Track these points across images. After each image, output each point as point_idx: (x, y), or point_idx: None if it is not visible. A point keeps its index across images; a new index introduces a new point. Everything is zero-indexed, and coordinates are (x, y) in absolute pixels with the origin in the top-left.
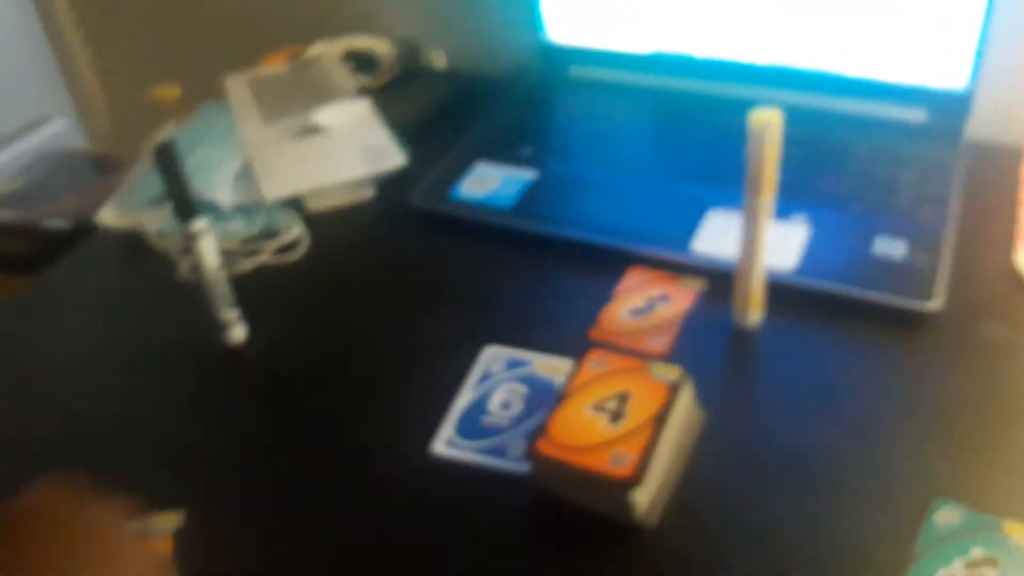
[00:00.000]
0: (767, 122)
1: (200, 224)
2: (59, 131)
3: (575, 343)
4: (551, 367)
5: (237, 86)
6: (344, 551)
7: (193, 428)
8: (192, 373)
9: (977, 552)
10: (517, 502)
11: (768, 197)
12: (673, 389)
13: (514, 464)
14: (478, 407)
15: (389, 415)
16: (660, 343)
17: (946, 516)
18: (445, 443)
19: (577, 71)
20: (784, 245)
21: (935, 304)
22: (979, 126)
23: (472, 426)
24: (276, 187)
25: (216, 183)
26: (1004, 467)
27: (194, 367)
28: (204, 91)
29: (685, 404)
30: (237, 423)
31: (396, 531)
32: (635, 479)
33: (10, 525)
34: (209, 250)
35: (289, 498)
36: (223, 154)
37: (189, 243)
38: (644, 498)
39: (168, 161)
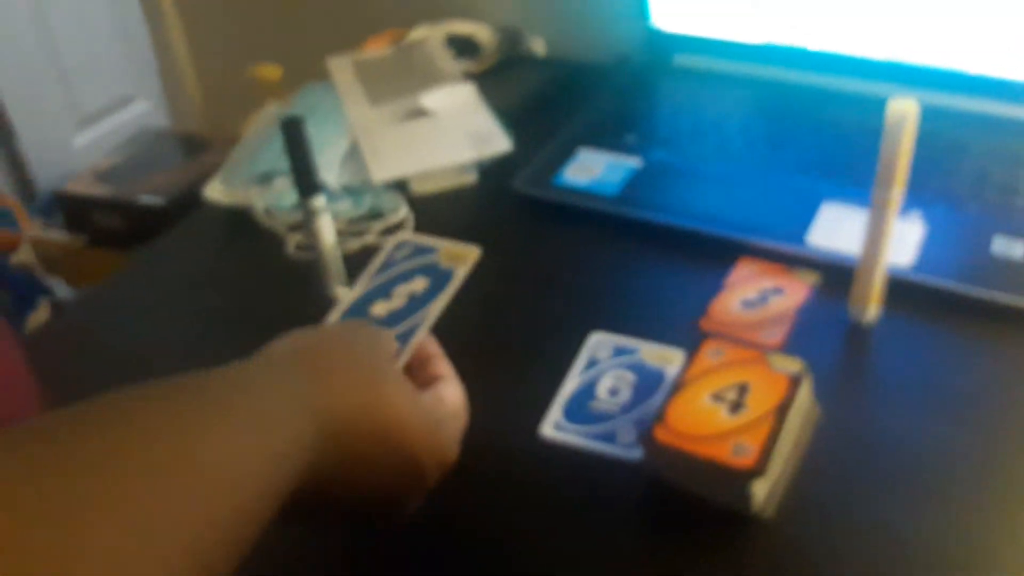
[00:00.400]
0: (905, 113)
1: (320, 201)
2: (143, 111)
3: (683, 333)
4: (660, 355)
5: (341, 68)
6: (451, 532)
7: None
8: None
9: None
10: (625, 488)
11: (899, 191)
12: (794, 381)
13: (623, 450)
14: (586, 393)
15: (497, 398)
16: (775, 335)
17: None
18: (554, 427)
19: (681, 59)
20: (900, 241)
21: None
22: None
23: (580, 411)
24: (384, 169)
25: (324, 164)
26: None
27: None
28: (300, 73)
29: (805, 396)
30: None
31: (504, 512)
32: (758, 470)
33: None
34: (327, 227)
35: None
36: (330, 135)
37: (307, 219)
38: (763, 489)
39: (296, 135)
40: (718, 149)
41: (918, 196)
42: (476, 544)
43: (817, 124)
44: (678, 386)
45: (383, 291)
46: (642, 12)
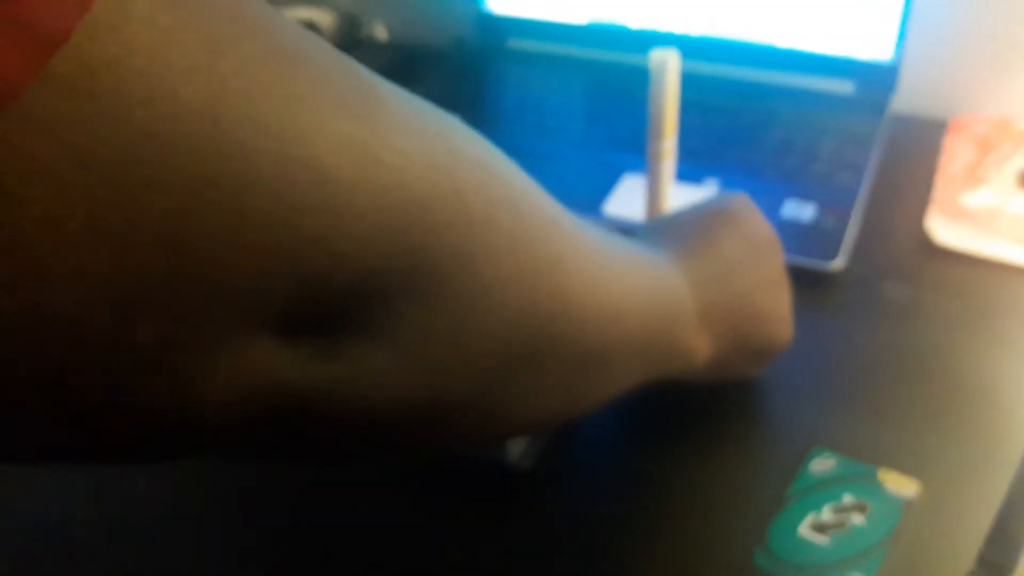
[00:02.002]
0: (665, 60)
1: None
2: None
3: None
4: None
5: None
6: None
7: None
8: None
9: (848, 498)
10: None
11: (670, 140)
12: None
13: None
14: None
15: None
16: None
17: (822, 464)
18: None
19: (515, 43)
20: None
21: (838, 264)
22: (907, 100)
23: None
24: None
25: None
26: (890, 419)
27: None
28: None
29: None
30: None
31: (236, 514)
32: None
33: None
34: None
35: None
36: None
37: None
38: (519, 442)
39: None
40: (536, 128)
41: (717, 165)
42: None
43: (633, 101)
44: None
45: None
46: None
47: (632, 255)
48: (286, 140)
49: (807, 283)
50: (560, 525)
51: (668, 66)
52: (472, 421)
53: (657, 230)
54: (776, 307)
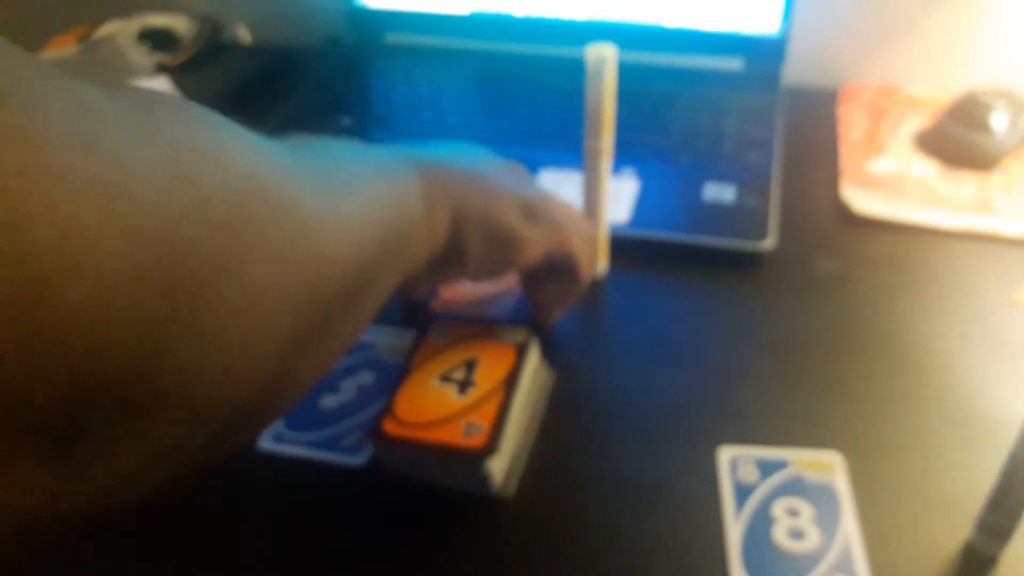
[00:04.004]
0: (603, 56)
1: None
2: None
3: (420, 318)
4: (397, 348)
5: None
6: (178, 563)
7: None
8: None
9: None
10: (358, 493)
11: (609, 138)
12: (520, 350)
13: (344, 455)
14: (312, 396)
15: None
16: (506, 307)
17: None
18: (272, 437)
19: (393, 37)
20: (615, 200)
21: (769, 243)
22: (795, 71)
23: (304, 417)
24: None
25: None
26: (838, 399)
27: None
28: None
29: (534, 364)
30: None
31: (228, 535)
32: (489, 448)
33: None
34: None
35: None
36: None
37: None
38: (500, 468)
39: None
40: (435, 125)
41: (630, 153)
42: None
43: (529, 92)
44: (404, 373)
45: None
46: None
47: (350, 162)
48: (12, 198)
49: (739, 264)
50: (548, 546)
51: (606, 60)
52: (276, 408)
53: None
54: (504, 190)
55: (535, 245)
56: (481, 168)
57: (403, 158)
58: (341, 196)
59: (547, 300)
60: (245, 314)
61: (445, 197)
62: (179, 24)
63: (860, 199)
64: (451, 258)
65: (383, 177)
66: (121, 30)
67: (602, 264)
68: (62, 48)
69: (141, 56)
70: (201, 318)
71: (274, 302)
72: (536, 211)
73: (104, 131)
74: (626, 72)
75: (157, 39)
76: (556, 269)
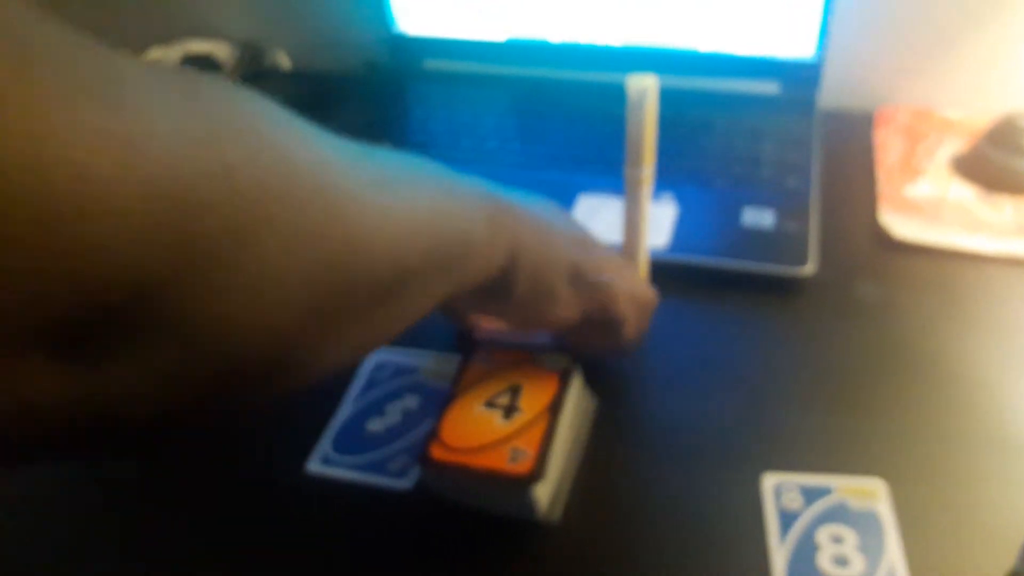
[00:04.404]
0: (644, 87)
1: None
2: None
3: (464, 343)
4: (441, 373)
5: None
6: None
7: None
8: None
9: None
10: (405, 517)
11: (650, 167)
12: (564, 377)
13: (392, 479)
14: (360, 420)
15: (265, 432)
16: (547, 335)
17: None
18: (321, 460)
19: (432, 64)
20: (654, 225)
21: (809, 268)
22: (831, 94)
23: (352, 441)
24: None
25: None
26: (880, 425)
27: None
28: None
29: (577, 391)
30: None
31: (274, 555)
32: (536, 474)
33: None
34: None
35: (159, 529)
36: None
37: None
38: (545, 494)
39: None
40: (473, 150)
41: (668, 178)
42: None
43: (568, 117)
44: (450, 398)
45: None
46: (386, 18)
47: (413, 172)
48: (34, 144)
49: (779, 290)
50: (593, 572)
51: (647, 91)
52: (287, 377)
53: None
54: (560, 247)
55: (569, 307)
56: (549, 220)
57: (479, 186)
58: (393, 197)
59: (582, 346)
60: (256, 277)
61: (509, 233)
62: (220, 50)
63: (898, 224)
64: (497, 293)
65: (449, 194)
66: (164, 57)
67: None
68: None
69: None
70: (209, 272)
71: (290, 274)
72: (583, 275)
73: (133, 94)
74: (663, 97)
75: (199, 65)
76: (600, 326)
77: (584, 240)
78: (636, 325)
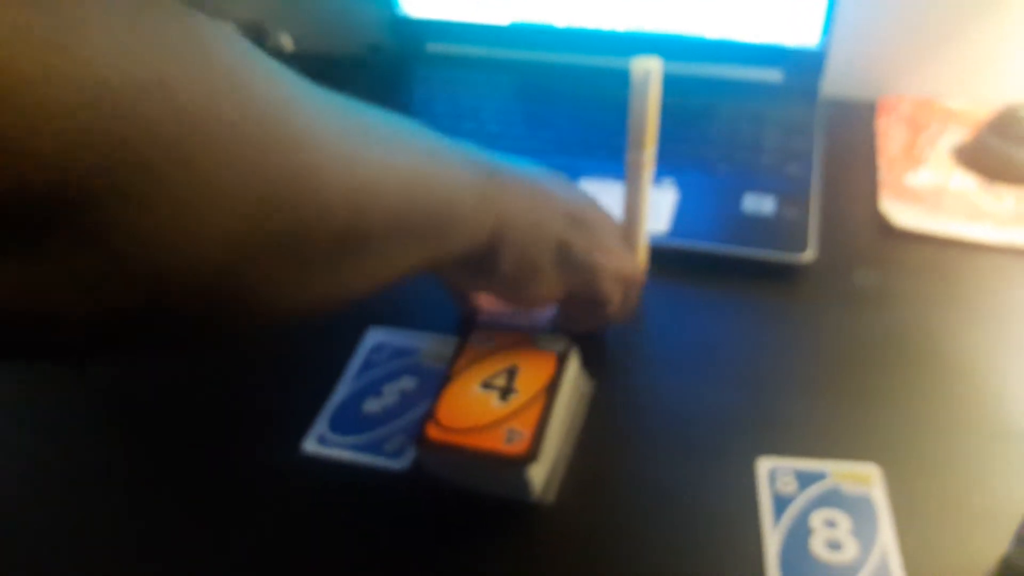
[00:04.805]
0: (648, 70)
1: None
2: None
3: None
4: (440, 355)
5: None
6: (218, 560)
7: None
8: None
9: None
10: (401, 497)
11: (652, 150)
12: (561, 358)
13: (389, 459)
14: (356, 400)
15: (262, 411)
16: (544, 314)
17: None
18: (317, 440)
19: (435, 47)
20: (654, 210)
21: (809, 255)
22: (834, 82)
23: (349, 421)
24: None
25: None
26: (877, 411)
27: None
28: None
29: (573, 373)
30: (88, 438)
31: (271, 535)
32: (531, 455)
33: None
34: None
35: (152, 505)
36: None
37: None
38: (540, 474)
39: None
40: (476, 135)
41: (670, 163)
42: (245, 571)
43: (571, 102)
44: (447, 379)
45: None
46: (390, 0)
47: (398, 132)
48: None
49: (779, 276)
50: (586, 554)
51: (651, 74)
52: (228, 313)
53: None
54: (549, 223)
55: (553, 286)
56: (544, 195)
57: (474, 156)
58: (363, 150)
59: (574, 318)
60: (187, 196)
61: (497, 208)
62: None
63: (899, 212)
64: (482, 267)
65: (434, 161)
66: None
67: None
68: None
69: None
70: (137, 184)
71: (225, 199)
72: (572, 254)
73: (83, 17)
74: (666, 82)
75: None
76: (585, 303)
77: (579, 215)
78: (621, 304)
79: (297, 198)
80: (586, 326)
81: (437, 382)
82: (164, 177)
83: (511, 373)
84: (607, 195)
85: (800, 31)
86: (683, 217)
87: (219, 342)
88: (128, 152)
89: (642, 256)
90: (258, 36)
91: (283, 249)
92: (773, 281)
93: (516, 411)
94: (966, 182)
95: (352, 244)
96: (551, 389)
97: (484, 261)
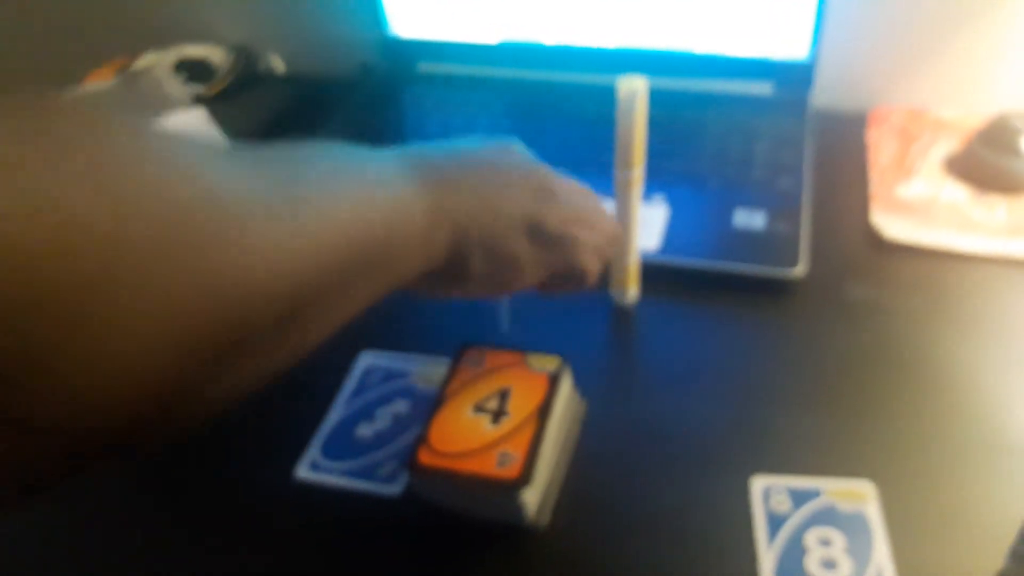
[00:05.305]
0: (634, 89)
1: None
2: None
3: (454, 342)
4: (431, 378)
5: None
6: None
7: None
8: None
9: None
10: (393, 522)
11: (639, 169)
12: (553, 380)
13: (380, 485)
14: (348, 425)
15: (255, 438)
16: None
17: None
18: (310, 466)
19: (426, 66)
20: (645, 227)
21: (800, 270)
22: (824, 95)
23: (341, 446)
24: None
25: None
26: (870, 427)
27: None
28: None
29: (566, 393)
30: None
31: (262, 564)
32: (523, 479)
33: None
34: None
35: (147, 527)
36: None
37: None
38: (534, 498)
39: None
40: None
41: (660, 179)
42: None
43: (561, 119)
44: (439, 402)
45: None
46: (380, 22)
47: (329, 174)
48: None
49: (771, 291)
50: (583, 573)
51: (637, 93)
52: (184, 413)
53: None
54: (512, 209)
55: (536, 269)
56: (495, 179)
57: (408, 167)
58: (293, 215)
59: (551, 287)
60: (107, 336)
61: (450, 215)
62: (214, 55)
63: (890, 224)
64: (454, 273)
65: (374, 193)
66: (158, 62)
67: (633, 292)
68: (101, 80)
69: (177, 87)
70: (51, 352)
71: (150, 322)
72: (544, 231)
73: None
74: (655, 98)
75: (193, 70)
76: (562, 275)
77: (543, 186)
78: (599, 270)
79: (234, 300)
80: (562, 293)
81: (429, 405)
82: (86, 311)
83: (503, 395)
84: None
85: (789, 44)
86: (674, 233)
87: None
88: (34, 320)
89: (633, 272)
90: (249, 59)
91: (226, 352)
92: (765, 296)
93: (508, 434)
94: (957, 193)
95: (299, 313)
96: (543, 411)
97: (454, 269)
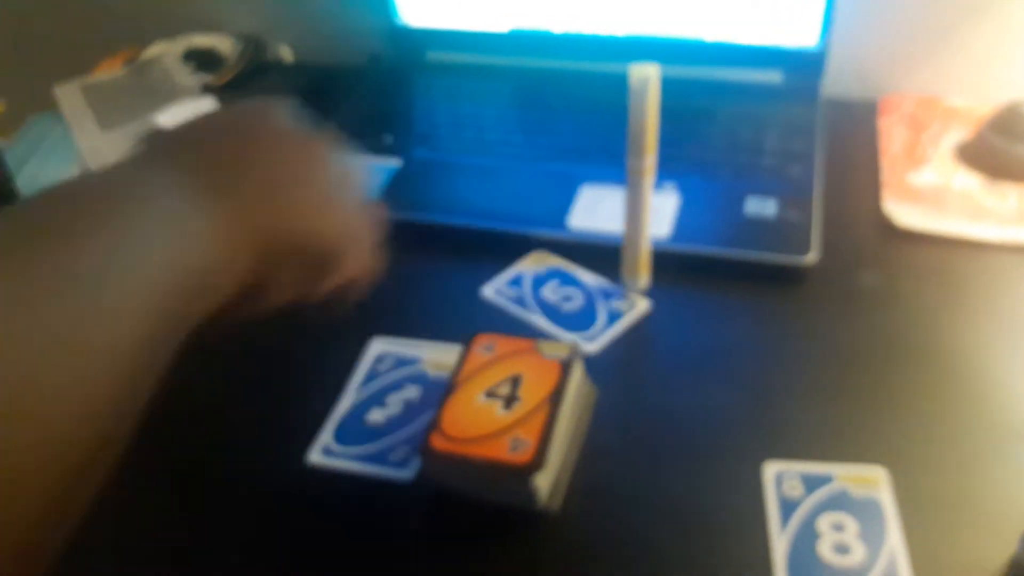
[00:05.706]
0: (647, 77)
1: None
2: None
3: (463, 329)
4: (441, 363)
5: (69, 94)
6: (219, 574)
7: None
8: None
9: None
10: (406, 507)
11: (651, 156)
12: (565, 366)
13: (393, 470)
14: (361, 410)
15: (268, 423)
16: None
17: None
18: (322, 451)
19: (435, 55)
20: (656, 215)
21: (812, 258)
22: (834, 83)
23: (353, 431)
24: None
25: None
26: (882, 414)
27: None
28: (29, 105)
29: (578, 380)
30: None
31: (276, 548)
32: (536, 463)
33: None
34: None
35: (158, 515)
36: (57, 167)
37: None
38: (546, 483)
39: None
40: (476, 142)
41: (671, 168)
42: None
43: (571, 108)
44: (451, 388)
45: None
46: (389, 10)
47: (98, 272)
48: None
49: (782, 279)
50: (593, 561)
51: (649, 80)
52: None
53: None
54: (310, 195)
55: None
56: (302, 187)
57: (187, 198)
58: (83, 331)
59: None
60: None
61: (250, 239)
62: (223, 44)
63: (902, 212)
64: (258, 291)
65: (154, 244)
66: (167, 51)
67: (644, 279)
68: (110, 70)
69: (186, 77)
70: None
71: None
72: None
73: None
74: (666, 86)
75: (202, 59)
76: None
77: (320, 196)
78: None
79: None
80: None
81: (441, 391)
82: None
83: (515, 381)
84: (608, 201)
85: (799, 32)
86: (685, 221)
87: None
88: None
89: (645, 260)
90: (258, 48)
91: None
92: (776, 284)
93: (520, 419)
94: (969, 181)
95: (117, 411)
96: (555, 397)
97: (261, 282)
